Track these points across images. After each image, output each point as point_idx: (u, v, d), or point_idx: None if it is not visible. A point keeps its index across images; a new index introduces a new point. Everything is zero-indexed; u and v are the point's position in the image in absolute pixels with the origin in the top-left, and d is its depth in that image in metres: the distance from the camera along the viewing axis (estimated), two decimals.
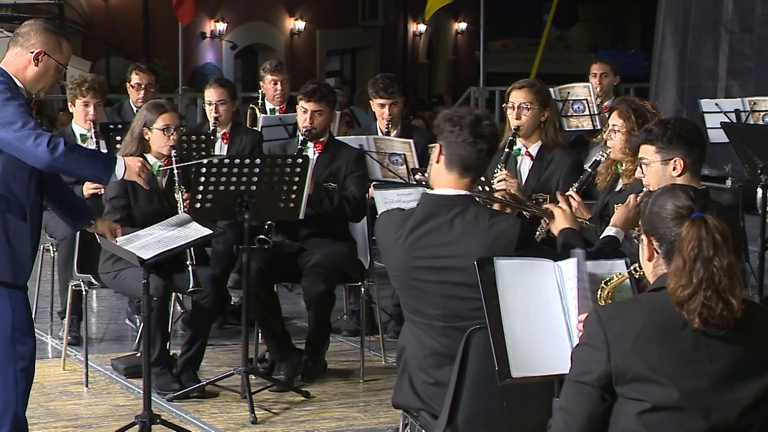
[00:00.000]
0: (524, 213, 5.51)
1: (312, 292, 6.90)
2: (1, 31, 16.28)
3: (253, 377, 6.63)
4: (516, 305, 3.96)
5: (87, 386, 6.85)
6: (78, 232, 6.92)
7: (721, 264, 3.29)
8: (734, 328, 3.31)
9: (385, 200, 6.17)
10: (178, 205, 6.58)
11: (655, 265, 3.47)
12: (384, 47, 27.20)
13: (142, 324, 6.72)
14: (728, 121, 8.77)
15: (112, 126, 7.86)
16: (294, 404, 6.60)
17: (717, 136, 8.59)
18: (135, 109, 8.61)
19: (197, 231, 6.03)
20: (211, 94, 8.29)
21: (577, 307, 3.93)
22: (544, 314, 3.98)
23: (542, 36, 18.80)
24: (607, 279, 3.84)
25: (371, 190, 7.06)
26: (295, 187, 6.54)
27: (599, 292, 3.80)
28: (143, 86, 8.77)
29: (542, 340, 3.95)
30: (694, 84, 14.33)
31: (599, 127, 8.87)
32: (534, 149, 6.50)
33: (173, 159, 6.65)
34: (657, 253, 3.45)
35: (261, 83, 9.40)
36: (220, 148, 8.28)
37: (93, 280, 6.95)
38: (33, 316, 8.09)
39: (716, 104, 9.30)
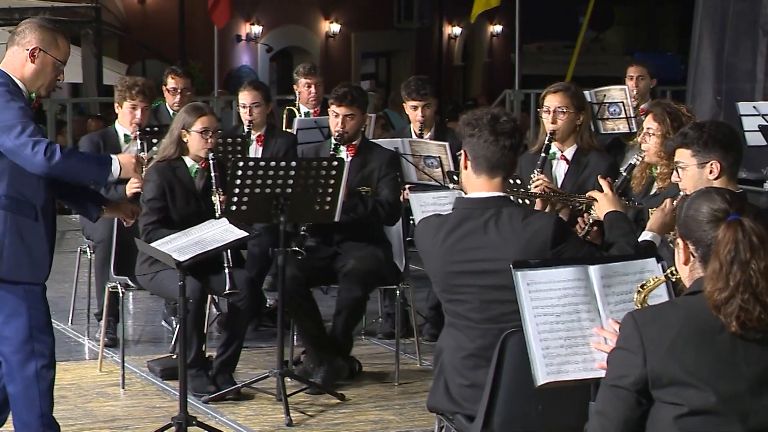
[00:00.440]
0: (562, 216, 5.49)
1: (347, 297, 6.90)
2: None
3: (289, 380, 6.64)
4: (547, 310, 3.95)
5: (123, 388, 6.88)
6: (115, 235, 6.98)
7: (759, 267, 3.27)
8: None
9: (420, 203, 6.16)
10: (215, 207, 6.60)
11: (692, 268, 3.46)
12: (419, 50, 27.19)
13: (178, 326, 6.75)
14: (766, 123, 8.72)
15: (148, 128, 7.89)
16: (329, 407, 6.61)
17: (755, 139, 8.54)
18: (171, 112, 8.65)
19: (233, 233, 6.05)
20: (245, 97, 8.32)
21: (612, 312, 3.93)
22: (575, 319, 3.96)
23: (578, 38, 18.74)
24: (643, 283, 3.83)
25: (406, 193, 7.06)
26: (330, 190, 6.55)
27: (635, 296, 3.78)
28: (179, 90, 8.80)
29: (573, 345, 3.94)
30: (732, 86, 14.23)
31: (635, 130, 8.83)
32: (569, 153, 6.47)
33: (211, 162, 6.68)
34: (693, 256, 3.44)
35: (295, 86, 9.42)
36: (255, 151, 8.30)
37: (130, 282, 6.98)
38: (70, 319, 8.27)
39: (754, 107, 9.24)
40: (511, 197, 4.69)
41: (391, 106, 15.63)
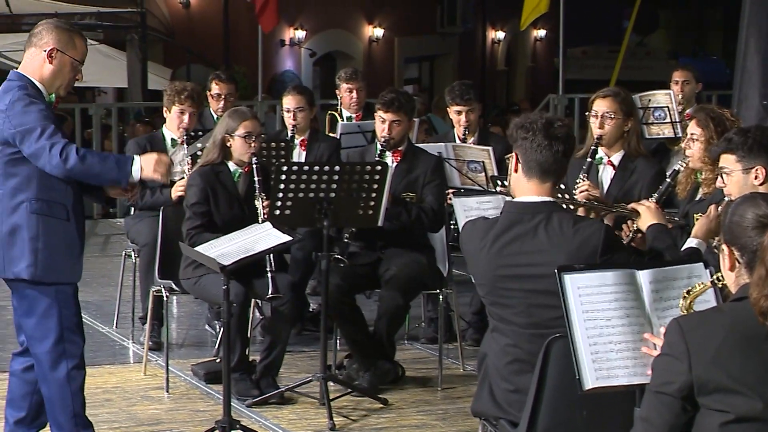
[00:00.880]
0: (607, 221, 5.47)
1: (388, 304, 6.90)
2: (86, 39, 16.48)
3: (332, 384, 6.65)
4: (597, 314, 3.94)
5: (168, 391, 6.91)
6: (160, 239, 7.02)
7: None
8: None
9: (464, 208, 6.15)
10: (258, 211, 6.62)
11: (737, 274, 3.44)
12: (462, 54, 27.17)
13: (221, 330, 6.78)
14: None
15: (192, 133, 7.94)
16: (372, 411, 6.61)
17: None
18: (215, 116, 8.69)
19: (277, 238, 6.07)
20: (289, 102, 8.34)
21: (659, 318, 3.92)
22: (625, 323, 3.95)
23: (623, 43, 18.66)
24: (689, 289, 3.80)
25: (450, 197, 7.05)
26: (374, 194, 6.55)
27: (681, 302, 3.76)
28: (223, 96, 8.84)
29: (623, 350, 3.93)
30: None
31: (680, 135, 8.77)
32: (616, 158, 6.43)
33: (254, 166, 6.70)
34: (738, 262, 3.42)
35: (337, 91, 9.44)
36: (299, 155, 8.32)
37: (174, 286, 7.01)
38: (115, 322, 8.32)
39: None
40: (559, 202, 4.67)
41: (434, 110, 15.62)
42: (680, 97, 9.48)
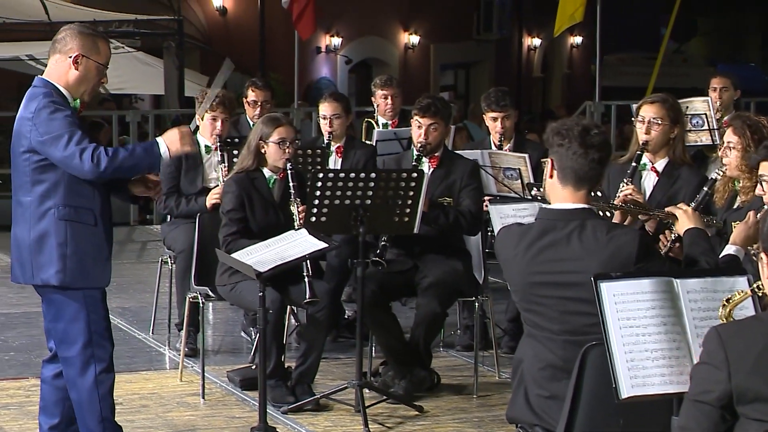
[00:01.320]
0: (648, 227, 5.44)
1: (425, 312, 6.89)
2: (123, 46, 16.59)
3: (367, 391, 6.65)
4: (633, 322, 3.91)
5: (203, 398, 6.93)
6: (196, 245, 7.04)
7: None
8: None
9: (500, 215, 6.14)
10: (294, 217, 6.63)
11: None
12: (498, 61, 27.13)
13: (257, 336, 6.78)
14: None
15: (228, 139, 7.96)
16: (407, 419, 6.60)
17: None
18: (251, 123, 8.71)
19: (313, 244, 6.07)
20: (325, 109, 8.35)
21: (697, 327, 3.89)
22: (662, 332, 3.92)
23: (660, 49, 18.58)
24: (728, 297, 3.77)
25: (486, 205, 7.03)
26: (409, 201, 6.55)
27: (720, 310, 3.73)
28: (259, 103, 8.85)
29: (659, 358, 3.91)
30: None
31: (718, 142, 8.72)
32: (660, 165, 6.39)
33: (289, 172, 6.71)
34: None
35: (372, 98, 9.44)
36: (335, 162, 8.33)
37: (210, 293, 7.02)
38: (151, 329, 8.35)
39: None
40: (594, 209, 4.65)
41: (470, 117, 15.61)
42: (718, 104, 9.43)
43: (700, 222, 4.98)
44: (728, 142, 5.81)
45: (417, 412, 6.66)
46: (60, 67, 5.27)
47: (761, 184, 4.91)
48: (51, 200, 5.21)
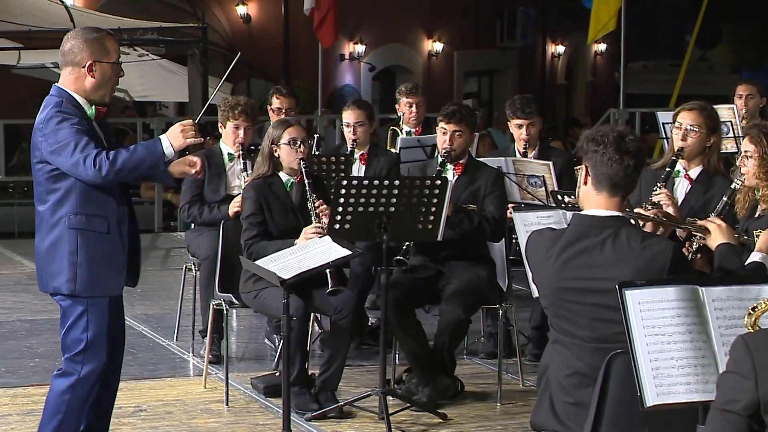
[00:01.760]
0: (678, 233, 5.41)
1: (449, 319, 6.88)
2: (147, 54, 16.64)
3: (391, 398, 6.64)
4: (658, 330, 3.90)
5: (227, 405, 6.93)
6: (220, 252, 7.05)
7: None
8: None
9: (524, 223, 6.11)
10: (311, 214, 6.64)
11: None
12: (522, 68, 27.10)
13: (281, 343, 6.78)
14: None
15: (252, 147, 7.97)
16: (431, 426, 6.59)
17: None
18: None
19: (337, 252, 6.07)
20: (348, 116, 8.36)
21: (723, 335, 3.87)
22: (687, 340, 3.90)
23: (684, 57, 18.53)
24: (754, 305, 3.75)
25: (510, 212, 7.02)
26: (433, 209, 6.54)
27: (746, 319, 3.71)
28: (284, 110, 8.87)
29: (684, 366, 3.89)
30: None
31: None
32: (694, 173, 6.36)
33: (304, 171, 6.72)
34: None
35: (397, 106, 9.44)
36: (358, 170, 8.33)
37: (234, 300, 7.04)
38: (175, 335, 8.36)
39: None
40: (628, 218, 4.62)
41: (495, 125, 15.60)
42: (744, 111, 9.40)
43: (732, 237, 4.94)
44: (745, 151, 5.77)
45: (440, 420, 6.65)
46: (75, 77, 5.26)
47: None
48: (63, 209, 5.22)
